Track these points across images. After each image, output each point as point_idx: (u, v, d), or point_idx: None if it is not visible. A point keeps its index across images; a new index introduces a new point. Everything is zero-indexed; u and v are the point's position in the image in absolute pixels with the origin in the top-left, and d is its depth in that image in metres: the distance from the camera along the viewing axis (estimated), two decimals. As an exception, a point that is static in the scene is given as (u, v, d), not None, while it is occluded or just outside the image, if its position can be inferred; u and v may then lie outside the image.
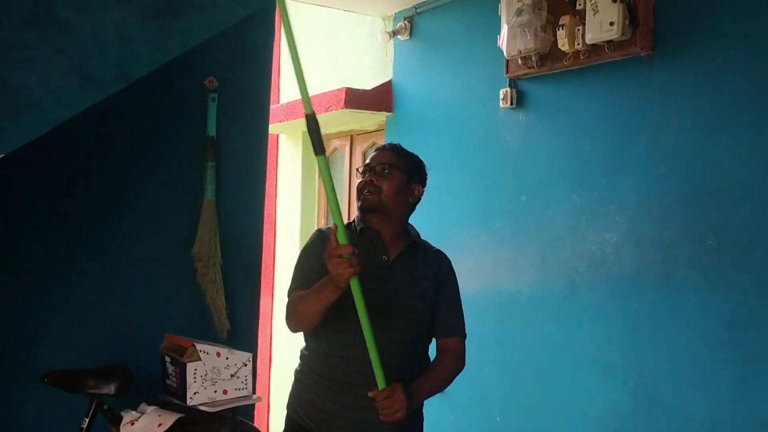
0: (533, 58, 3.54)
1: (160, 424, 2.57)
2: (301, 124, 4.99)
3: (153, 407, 2.70)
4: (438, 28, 4.26)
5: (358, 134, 5.04)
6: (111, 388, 2.57)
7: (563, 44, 3.35)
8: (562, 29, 3.33)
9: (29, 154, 2.73)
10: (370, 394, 1.99)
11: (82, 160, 2.95)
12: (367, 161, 2.28)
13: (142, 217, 3.11)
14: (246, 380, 2.87)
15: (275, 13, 3.45)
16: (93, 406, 2.58)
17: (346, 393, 2.13)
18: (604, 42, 3.18)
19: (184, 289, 3.17)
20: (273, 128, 5.30)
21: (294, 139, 5.58)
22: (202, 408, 2.73)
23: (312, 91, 4.81)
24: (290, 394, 2.31)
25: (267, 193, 5.79)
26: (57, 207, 2.92)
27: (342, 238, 1.90)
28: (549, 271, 3.61)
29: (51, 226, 2.91)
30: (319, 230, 2.29)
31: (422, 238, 2.36)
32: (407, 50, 4.45)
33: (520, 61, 3.63)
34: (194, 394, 2.76)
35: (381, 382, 1.98)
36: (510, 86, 3.79)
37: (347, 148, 5.10)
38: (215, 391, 2.79)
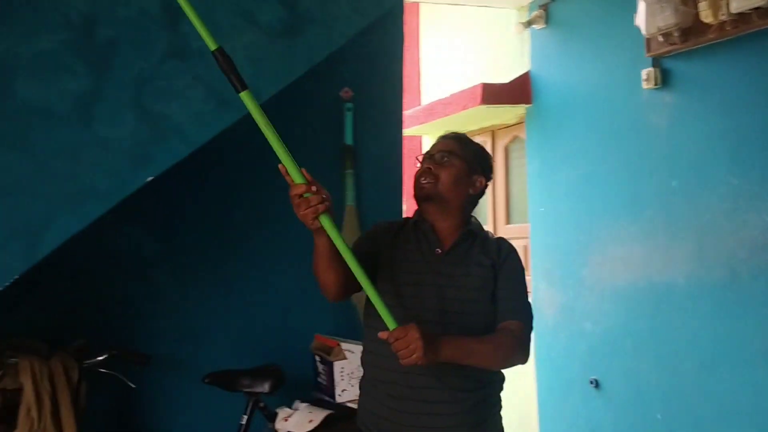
0: (675, 34, 3.35)
1: (310, 420, 2.70)
2: (443, 124, 5.03)
3: (305, 404, 2.85)
4: (573, 13, 4.14)
5: (498, 129, 5.00)
6: (265, 387, 2.74)
7: (706, 16, 3.14)
8: (704, 0, 3.12)
9: (188, 172, 3.00)
10: (380, 334, 1.78)
11: (231, 175, 3.16)
12: (430, 149, 2.13)
13: (290, 226, 3.26)
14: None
15: (402, 18, 3.51)
16: (250, 403, 2.76)
17: (382, 391, 2.00)
18: (751, 9, 2.95)
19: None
20: (415, 130, 5.39)
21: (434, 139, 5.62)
22: (350, 405, 2.85)
23: (451, 90, 4.85)
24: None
25: (409, 194, 5.94)
26: (212, 220, 3.15)
27: (296, 177, 1.79)
28: (706, 260, 3.39)
29: (208, 238, 3.14)
30: (378, 223, 2.20)
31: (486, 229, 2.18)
32: (544, 39, 4.36)
33: (660, 39, 3.44)
34: (342, 391, 2.88)
35: (390, 323, 1.78)
36: (653, 66, 3.61)
37: (489, 144, 5.08)
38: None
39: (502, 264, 2.03)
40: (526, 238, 4.59)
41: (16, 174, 2.03)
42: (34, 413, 2.30)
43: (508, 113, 4.66)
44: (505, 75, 4.57)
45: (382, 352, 1.91)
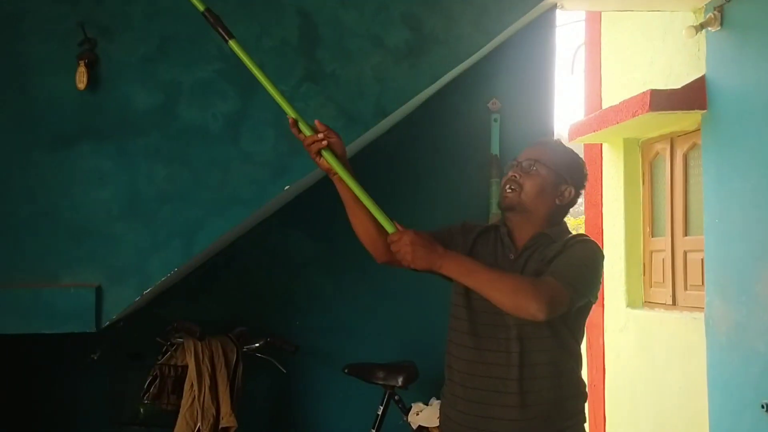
0: None
1: (438, 416, 2.85)
2: (617, 131, 4.91)
3: (439, 401, 3.00)
4: (750, 14, 3.86)
5: (678, 136, 4.77)
6: (398, 381, 2.94)
7: None
8: None
9: (329, 181, 3.30)
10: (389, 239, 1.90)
11: (381, 183, 3.39)
12: (518, 157, 2.08)
13: (435, 226, 3.45)
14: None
15: (554, 27, 3.54)
16: (386, 396, 2.97)
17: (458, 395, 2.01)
18: None
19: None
20: (595, 137, 5.30)
21: (614, 147, 5.48)
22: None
23: (623, 97, 4.73)
24: None
25: (593, 203, 5.83)
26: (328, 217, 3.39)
27: (304, 127, 1.96)
28: None
29: (355, 240, 3.41)
30: (466, 221, 2.20)
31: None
32: (719, 42, 4.10)
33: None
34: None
35: (388, 227, 1.93)
36: (838, 67, 3.29)
37: (667, 152, 4.86)
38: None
39: (561, 250, 1.93)
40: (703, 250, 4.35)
41: (176, 184, 2.42)
42: (195, 388, 2.70)
43: (684, 120, 4.44)
44: (680, 80, 4.37)
45: (460, 355, 1.99)
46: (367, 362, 3.02)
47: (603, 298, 5.68)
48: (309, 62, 2.50)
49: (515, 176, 2.02)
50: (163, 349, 2.77)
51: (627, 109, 4.46)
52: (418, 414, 2.92)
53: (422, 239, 1.86)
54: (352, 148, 2.98)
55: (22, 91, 2.36)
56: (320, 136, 1.93)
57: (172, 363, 2.76)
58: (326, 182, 3.37)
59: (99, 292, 2.36)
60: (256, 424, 3.29)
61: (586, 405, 2.10)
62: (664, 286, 4.93)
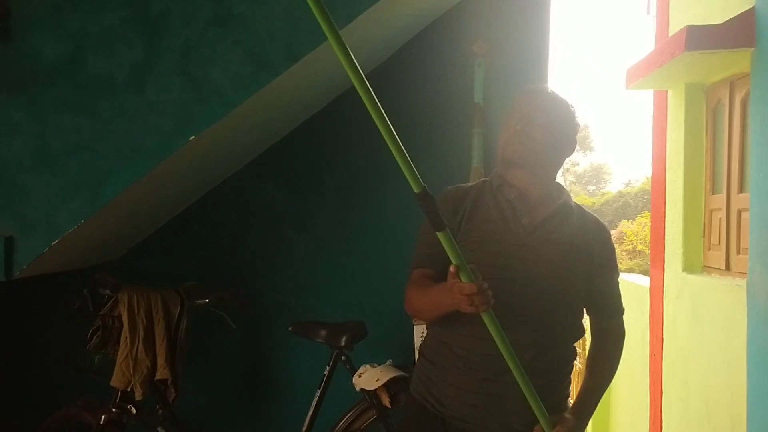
0: None
1: (377, 379, 2.71)
2: (680, 73, 4.38)
3: (385, 365, 2.86)
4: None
5: (738, 79, 4.19)
6: (341, 341, 2.81)
7: None
8: None
9: (313, 131, 3.19)
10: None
11: (354, 136, 3.23)
12: (518, 107, 1.93)
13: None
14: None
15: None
16: (333, 356, 2.86)
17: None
18: None
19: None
20: (648, 82, 4.79)
21: (676, 93, 4.90)
22: (430, 372, 2.77)
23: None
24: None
25: (659, 157, 5.29)
26: (336, 177, 3.28)
27: (465, 276, 1.58)
28: None
29: (333, 195, 3.28)
30: (446, 191, 2.01)
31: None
32: (773, -32, 3.52)
33: None
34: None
35: (546, 426, 1.79)
36: None
37: (727, 97, 4.28)
38: (445, 357, 2.79)
39: (607, 257, 1.97)
40: (755, 209, 3.82)
41: (82, 135, 2.39)
42: (128, 339, 2.72)
43: (744, 59, 3.87)
44: (722, 15, 3.81)
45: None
46: (311, 321, 2.91)
47: (663, 261, 5.20)
48: (216, 5, 2.36)
49: (525, 128, 1.87)
50: (105, 300, 2.80)
51: (666, 51, 3.97)
52: (360, 376, 2.78)
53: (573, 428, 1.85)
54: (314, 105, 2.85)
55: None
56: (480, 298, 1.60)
57: (115, 314, 2.79)
58: (300, 134, 3.29)
59: (10, 242, 2.40)
60: (219, 378, 3.29)
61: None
62: (719, 249, 4.42)
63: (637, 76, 4.71)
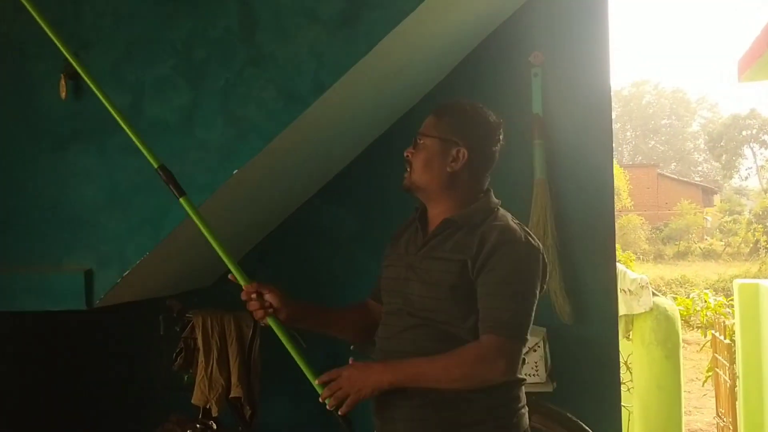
0: None
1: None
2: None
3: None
4: None
5: None
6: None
7: None
8: None
9: (370, 158, 3.30)
10: (318, 381, 1.88)
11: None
12: None
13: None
14: (536, 366, 2.74)
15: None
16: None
17: None
18: None
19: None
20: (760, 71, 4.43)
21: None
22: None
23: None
24: None
25: None
26: (403, 200, 3.34)
27: (240, 279, 1.94)
28: None
29: (400, 217, 3.34)
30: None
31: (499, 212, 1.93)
32: None
33: None
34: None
35: (310, 377, 1.92)
36: None
37: None
38: (502, 374, 2.75)
39: (484, 262, 1.80)
40: None
41: (144, 175, 2.63)
42: (203, 360, 2.94)
43: None
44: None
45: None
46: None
47: None
48: (249, 47, 2.53)
49: (407, 155, 1.95)
50: (185, 324, 3.05)
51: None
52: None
53: (353, 369, 1.86)
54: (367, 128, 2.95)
55: (28, 103, 2.75)
56: (267, 305, 1.95)
57: (194, 336, 3.02)
58: (365, 160, 3.40)
59: (89, 274, 2.69)
60: (303, 396, 3.44)
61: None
62: None
63: (747, 65, 4.37)
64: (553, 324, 3.05)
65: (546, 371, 2.77)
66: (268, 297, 1.96)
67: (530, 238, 1.88)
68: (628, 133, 46.62)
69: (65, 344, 3.43)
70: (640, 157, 44.07)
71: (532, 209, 3.12)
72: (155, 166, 2.06)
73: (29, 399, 3.27)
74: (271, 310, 1.93)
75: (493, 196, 1.99)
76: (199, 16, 2.58)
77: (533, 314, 1.84)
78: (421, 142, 1.92)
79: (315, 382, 1.89)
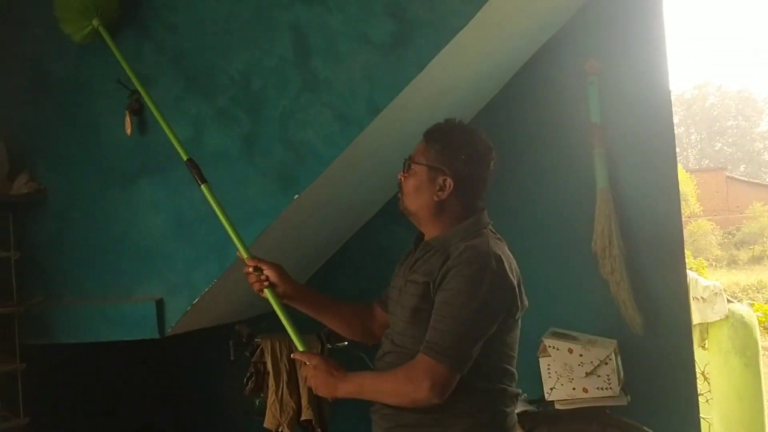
0: None
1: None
2: None
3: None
4: None
5: None
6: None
7: None
8: None
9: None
10: (293, 355, 2.03)
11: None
12: None
13: (537, 210, 3.23)
14: (609, 379, 2.68)
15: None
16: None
17: None
18: None
19: (588, 282, 3.11)
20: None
21: None
22: (558, 406, 2.71)
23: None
24: None
25: None
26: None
27: (242, 252, 2.15)
28: None
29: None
30: None
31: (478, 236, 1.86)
32: None
33: None
34: (550, 389, 2.76)
35: (298, 344, 2.05)
36: None
37: None
38: (573, 389, 2.72)
39: (440, 281, 1.78)
40: None
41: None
42: (273, 384, 2.97)
43: None
44: None
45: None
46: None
47: None
48: (305, 73, 2.58)
49: (400, 179, 1.95)
50: (255, 348, 3.09)
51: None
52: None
53: (324, 366, 1.91)
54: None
55: (95, 141, 2.86)
56: (265, 277, 2.09)
57: (263, 360, 3.06)
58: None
59: (160, 304, 2.76)
60: (356, 414, 3.45)
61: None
62: None
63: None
64: (625, 336, 2.99)
65: (619, 384, 2.70)
66: (267, 272, 2.08)
67: (494, 262, 1.79)
68: (693, 137, 45.41)
69: (138, 372, 3.53)
70: (706, 161, 42.80)
71: (595, 219, 3.07)
72: (185, 158, 2.34)
73: (104, 426, 3.36)
74: (267, 284, 2.06)
75: (483, 218, 1.94)
76: (255, 47, 2.64)
77: (478, 339, 1.75)
78: (411, 167, 1.93)
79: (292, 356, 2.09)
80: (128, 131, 2.76)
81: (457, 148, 1.89)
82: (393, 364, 1.86)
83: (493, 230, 1.95)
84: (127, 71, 2.52)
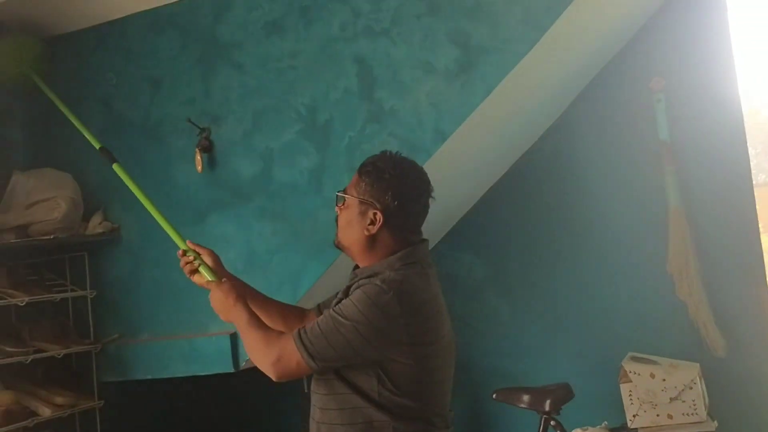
0: None
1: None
2: None
3: (599, 427, 2.75)
4: None
5: None
6: (545, 405, 2.76)
7: None
8: None
9: (493, 201, 3.30)
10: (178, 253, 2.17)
11: (546, 191, 3.24)
12: None
13: (608, 231, 3.18)
14: (694, 405, 2.59)
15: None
16: (542, 422, 2.81)
17: None
18: None
19: (664, 304, 3.03)
20: None
21: None
22: (643, 432, 2.63)
23: None
24: None
25: None
26: (532, 243, 3.30)
27: (176, 240, 2.25)
28: None
29: (530, 261, 3.30)
30: None
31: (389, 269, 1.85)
32: None
33: None
34: (633, 416, 2.68)
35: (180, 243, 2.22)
36: None
37: None
38: (657, 415, 2.63)
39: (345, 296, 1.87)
40: None
41: (280, 237, 2.74)
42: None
43: None
44: None
45: None
46: (514, 386, 2.91)
47: None
48: (370, 104, 2.60)
49: (337, 211, 2.00)
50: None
51: None
52: (571, 440, 2.71)
53: (219, 290, 2.04)
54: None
55: (167, 178, 2.92)
56: (190, 261, 2.20)
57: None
58: (490, 205, 3.39)
59: (234, 338, 2.78)
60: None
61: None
62: None
63: None
64: (707, 359, 2.89)
65: (705, 409, 2.60)
66: (204, 257, 2.19)
67: (400, 292, 1.77)
68: (749, 151, 44.24)
69: (212, 405, 3.56)
70: (763, 176, 41.60)
71: (669, 239, 3.00)
72: (96, 147, 2.46)
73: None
74: (198, 264, 2.17)
75: (415, 252, 1.91)
76: (320, 81, 2.68)
77: (344, 349, 1.76)
78: (343, 203, 1.95)
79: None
80: (199, 168, 2.81)
81: (386, 181, 1.88)
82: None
83: (426, 264, 1.93)
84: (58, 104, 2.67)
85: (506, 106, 2.74)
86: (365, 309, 1.74)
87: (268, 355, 1.80)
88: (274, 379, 1.82)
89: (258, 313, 2.08)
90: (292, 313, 2.22)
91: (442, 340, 1.86)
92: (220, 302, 2.03)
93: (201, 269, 2.16)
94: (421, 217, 1.94)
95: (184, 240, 2.26)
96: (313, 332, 1.78)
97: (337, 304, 1.85)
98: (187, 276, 2.21)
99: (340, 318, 1.76)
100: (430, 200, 1.94)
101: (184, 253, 2.20)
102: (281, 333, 1.89)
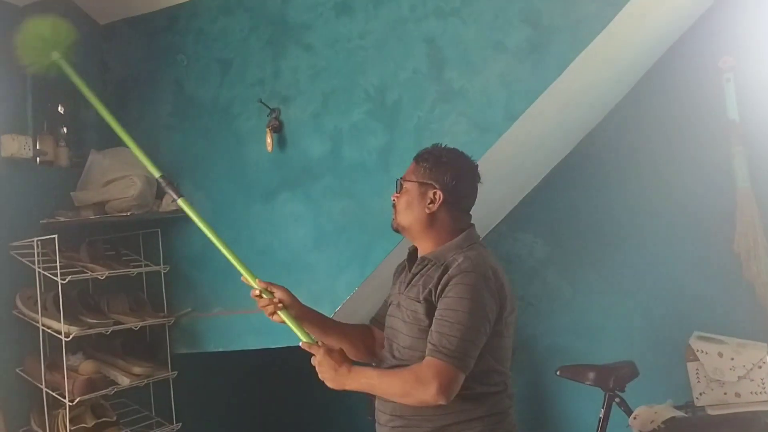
0: None
1: (652, 421, 2.64)
2: None
3: (664, 405, 2.76)
4: None
5: None
6: (610, 382, 2.78)
7: None
8: None
9: (554, 182, 3.31)
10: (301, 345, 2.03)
11: (606, 177, 3.24)
12: None
13: (674, 211, 3.17)
14: (763, 383, 2.58)
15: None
16: (606, 398, 2.84)
17: None
18: None
19: (730, 284, 3.01)
20: None
21: None
22: (710, 410, 2.64)
23: None
24: None
25: None
26: (592, 223, 3.30)
27: (249, 279, 2.16)
28: None
29: (590, 240, 3.31)
30: None
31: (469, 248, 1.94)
32: None
33: None
34: (700, 394, 2.68)
35: (302, 335, 2.06)
36: None
37: None
38: (725, 393, 2.64)
39: (441, 292, 1.86)
40: None
41: (348, 216, 2.80)
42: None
43: None
44: None
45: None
46: (579, 364, 2.94)
47: None
48: (439, 84, 2.63)
49: (393, 199, 2.10)
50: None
51: None
52: (635, 418, 2.73)
53: (329, 359, 1.95)
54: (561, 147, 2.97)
55: (238, 158, 3.00)
56: (276, 300, 2.13)
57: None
58: (552, 185, 3.40)
59: (302, 313, 2.86)
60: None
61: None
62: None
63: None
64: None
65: (777, 388, 2.60)
66: (279, 294, 2.13)
67: (490, 272, 1.87)
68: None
69: (281, 378, 3.66)
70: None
71: (737, 219, 2.97)
72: (156, 176, 2.27)
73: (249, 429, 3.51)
74: (281, 305, 2.10)
75: (473, 233, 2.04)
76: (389, 61, 2.71)
77: (479, 342, 1.81)
78: (403, 187, 2.06)
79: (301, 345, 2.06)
80: (269, 148, 2.88)
81: (444, 164, 2.03)
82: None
83: (483, 245, 2.04)
84: (87, 95, 2.33)
85: (576, 85, 2.74)
86: (476, 296, 1.82)
87: (425, 390, 1.78)
88: (444, 402, 1.78)
89: (338, 335, 2.16)
90: (355, 331, 2.24)
91: (515, 308, 1.98)
92: (330, 373, 1.94)
93: (281, 314, 2.12)
94: (472, 198, 2.08)
95: (255, 278, 2.18)
96: (450, 343, 1.79)
97: (430, 298, 1.88)
98: (268, 317, 2.17)
99: (462, 316, 1.80)
100: (479, 184, 2.09)
101: (260, 294, 2.15)
102: (413, 368, 1.84)
